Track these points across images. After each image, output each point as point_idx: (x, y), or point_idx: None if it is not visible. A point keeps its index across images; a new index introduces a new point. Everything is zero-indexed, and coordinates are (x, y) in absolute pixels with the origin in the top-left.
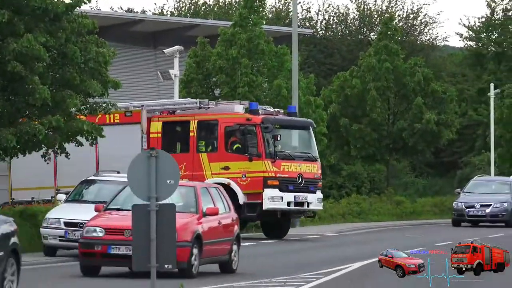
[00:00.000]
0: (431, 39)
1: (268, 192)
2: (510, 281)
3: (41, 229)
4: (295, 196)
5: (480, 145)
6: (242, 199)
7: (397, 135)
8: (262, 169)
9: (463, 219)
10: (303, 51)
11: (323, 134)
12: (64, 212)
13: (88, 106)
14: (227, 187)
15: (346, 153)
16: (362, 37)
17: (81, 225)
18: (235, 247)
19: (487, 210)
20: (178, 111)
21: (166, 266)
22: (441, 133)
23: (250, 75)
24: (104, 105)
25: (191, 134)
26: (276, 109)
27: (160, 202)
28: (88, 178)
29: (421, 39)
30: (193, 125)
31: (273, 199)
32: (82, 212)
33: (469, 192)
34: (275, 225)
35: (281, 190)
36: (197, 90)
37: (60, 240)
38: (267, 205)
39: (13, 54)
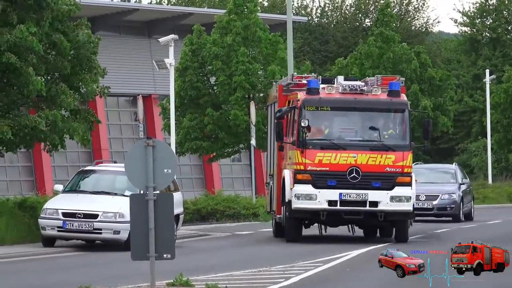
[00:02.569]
0: (424, 24)
1: (296, 189)
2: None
3: (39, 220)
4: (341, 194)
5: (477, 131)
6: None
7: None
8: (295, 160)
9: None
10: (298, 39)
11: None
12: (62, 202)
13: (80, 97)
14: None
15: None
16: (357, 24)
17: (79, 215)
18: None
19: (434, 202)
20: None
21: (165, 255)
22: (438, 119)
23: (246, 63)
24: (97, 89)
25: None
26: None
27: (157, 192)
28: (85, 169)
29: (415, 25)
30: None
31: (302, 198)
32: (80, 202)
33: None
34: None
35: (315, 187)
36: (192, 78)
37: (58, 231)
38: (295, 204)
39: (7, 45)
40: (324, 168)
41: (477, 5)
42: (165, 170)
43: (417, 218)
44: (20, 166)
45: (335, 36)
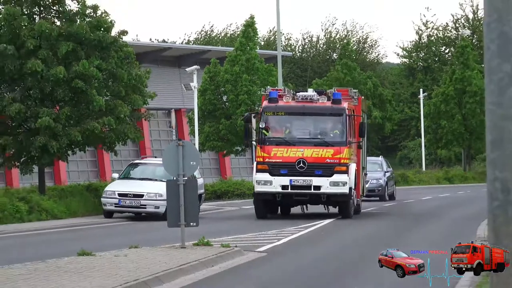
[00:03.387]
0: (376, 57)
1: (257, 176)
2: None
3: (102, 199)
4: (291, 180)
5: (414, 133)
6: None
7: None
8: (257, 154)
9: None
10: (285, 68)
11: None
12: (118, 186)
13: (134, 115)
14: None
15: None
16: (328, 57)
17: (130, 195)
18: None
19: (366, 185)
20: None
21: (191, 223)
22: (384, 125)
23: (248, 86)
24: (145, 114)
25: None
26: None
27: (185, 178)
28: (134, 162)
29: (369, 58)
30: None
31: (262, 183)
32: (131, 186)
33: None
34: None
35: (271, 175)
36: (210, 97)
37: (115, 206)
38: (256, 188)
39: (76, 74)
40: (278, 160)
41: (413, 42)
42: (191, 163)
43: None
44: (87, 160)
45: (312, 65)
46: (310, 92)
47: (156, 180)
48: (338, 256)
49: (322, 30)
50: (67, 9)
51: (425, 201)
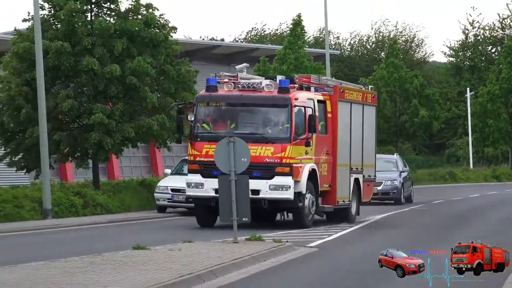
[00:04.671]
0: (423, 56)
1: (188, 178)
2: None
3: (155, 194)
4: None
5: (461, 131)
6: None
7: (401, 125)
8: (188, 152)
9: None
10: (334, 67)
11: None
12: (170, 181)
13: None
14: None
15: None
16: (375, 55)
17: (182, 191)
18: None
19: (378, 188)
20: None
21: (244, 219)
22: (432, 124)
23: None
24: None
25: None
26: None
27: (237, 174)
28: (186, 158)
29: (417, 56)
30: None
31: (192, 186)
32: (183, 181)
33: None
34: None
35: (203, 176)
36: None
37: (168, 201)
38: (188, 192)
39: (130, 71)
40: (210, 159)
41: (460, 42)
42: (242, 159)
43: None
44: (140, 156)
45: (359, 64)
46: (258, 79)
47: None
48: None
49: (372, 29)
50: (120, 7)
51: (473, 199)
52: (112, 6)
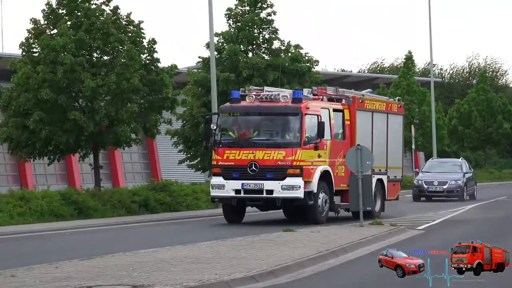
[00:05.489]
0: (505, 83)
1: (212, 180)
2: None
3: None
4: (242, 184)
5: None
6: None
7: (489, 135)
8: (212, 157)
9: (422, 195)
10: (436, 91)
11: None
12: None
13: None
14: None
15: (461, 145)
16: (469, 82)
17: None
18: None
19: (444, 187)
20: None
21: (367, 208)
22: None
23: (408, 105)
24: None
25: None
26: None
27: (364, 174)
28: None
29: (501, 83)
30: None
31: (215, 187)
32: None
33: (427, 172)
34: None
35: (224, 178)
36: None
37: None
38: (212, 192)
39: None
40: (230, 163)
41: None
42: (367, 162)
43: (433, 198)
44: None
45: (456, 89)
46: (276, 91)
47: None
48: (485, 231)
49: (466, 61)
50: (274, 47)
51: None
52: (267, 46)
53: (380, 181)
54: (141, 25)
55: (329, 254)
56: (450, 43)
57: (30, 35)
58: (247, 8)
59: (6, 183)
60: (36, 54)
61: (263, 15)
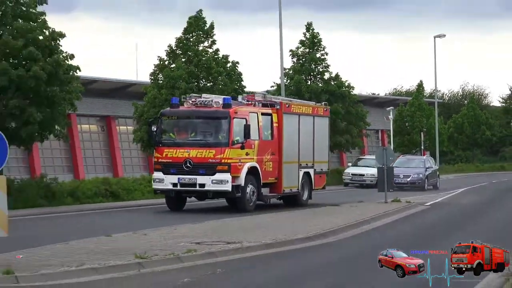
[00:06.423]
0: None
1: (154, 175)
2: None
3: (343, 176)
4: (179, 178)
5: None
6: None
7: (476, 140)
8: (154, 154)
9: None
10: (439, 108)
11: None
12: (351, 169)
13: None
14: None
15: (456, 146)
16: (461, 102)
17: (358, 174)
18: None
19: (408, 179)
20: None
21: (390, 190)
22: (492, 139)
23: (419, 118)
24: (365, 133)
25: None
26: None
27: (386, 166)
28: (361, 157)
29: (484, 102)
30: None
31: (157, 181)
32: (359, 170)
33: (396, 167)
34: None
35: (164, 173)
36: (400, 124)
37: (349, 180)
38: (153, 185)
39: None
40: (168, 160)
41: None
42: (390, 158)
43: (396, 188)
44: None
45: (454, 107)
46: (211, 97)
47: (372, 167)
48: (473, 206)
49: (460, 87)
50: (325, 77)
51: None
52: (321, 77)
53: (307, 173)
54: (236, 64)
55: (360, 223)
56: (449, 75)
57: (156, 68)
58: (308, 49)
59: (138, 170)
60: (161, 82)
61: (318, 55)
